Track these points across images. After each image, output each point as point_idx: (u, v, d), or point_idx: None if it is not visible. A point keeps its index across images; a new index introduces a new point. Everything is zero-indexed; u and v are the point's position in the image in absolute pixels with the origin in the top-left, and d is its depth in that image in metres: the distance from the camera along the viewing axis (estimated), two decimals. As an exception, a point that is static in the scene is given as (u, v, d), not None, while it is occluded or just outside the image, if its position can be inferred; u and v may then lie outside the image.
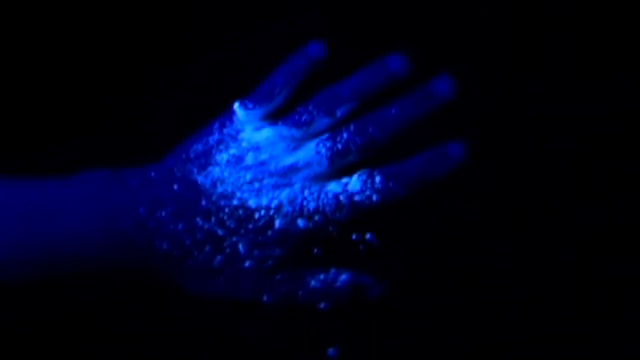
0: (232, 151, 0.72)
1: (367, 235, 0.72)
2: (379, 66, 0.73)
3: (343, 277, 0.71)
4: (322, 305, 0.70)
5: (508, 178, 0.76)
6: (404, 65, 0.73)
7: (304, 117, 0.73)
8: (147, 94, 0.80)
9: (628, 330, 0.74)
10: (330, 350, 0.72)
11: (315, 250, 0.71)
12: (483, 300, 0.75)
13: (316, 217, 0.70)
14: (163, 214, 0.70)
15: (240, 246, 0.70)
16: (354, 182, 0.71)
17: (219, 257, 0.70)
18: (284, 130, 0.73)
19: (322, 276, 0.71)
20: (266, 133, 0.73)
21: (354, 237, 0.72)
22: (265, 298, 0.70)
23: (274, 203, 0.70)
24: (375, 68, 0.73)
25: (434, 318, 0.75)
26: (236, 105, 0.74)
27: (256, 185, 0.71)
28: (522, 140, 0.77)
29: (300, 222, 0.70)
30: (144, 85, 0.80)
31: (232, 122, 0.74)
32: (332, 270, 0.71)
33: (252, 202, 0.70)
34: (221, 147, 0.73)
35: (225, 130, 0.73)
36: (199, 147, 0.73)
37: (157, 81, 0.79)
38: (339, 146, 0.72)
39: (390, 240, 0.72)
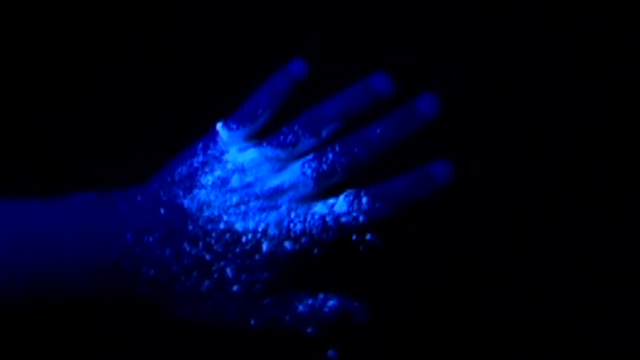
0: (217, 173, 0.72)
1: (367, 236, 0.72)
2: (363, 86, 0.73)
3: (331, 302, 0.70)
4: (309, 330, 0.70)
5: (506, 181, 0.77)
6: (388, 85, 0.73)
7: (289, 138, 0.72)
8: (133, 109, 0.79)
9: (628, 330, 0.74)
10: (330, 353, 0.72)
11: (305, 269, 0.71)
12: (483, 301, 0.75)
13: (303, 240, 0.70)
14: (150, 239, 0.69)
15: (228, 271, 0.70)
16: (340, 203, 0.71)
17: (206, 282, 0.69)
18: (268, 151, 0.72)
19: (310, 301, 0.70)
20: (251, 154, 0.72)
21: (354, 237, 0.72)
22: (252, 323, 0.70)
23: (261, 226, 0.70)
24: (360, 88, 0.73)
25: (433, 321, 0.75)
26: (219, 126, 0.73)
27: (242, 208, 0.71)
28: (518, 146, 0.77)
29: (288, 245, 0.70)
30: (129, 100, 0.79)
31: (215, 143, 0.73)
32: (320, 296, 0.71)
33: (239, 226, 0.70)
34: (206, 169, 0.72)
35: (209, 152, 0.73)
36: (183, 169, 0.72)
37: (142, 97, 0.79)
38: (325, 167, 0.71)
39: (390, 242, 0.72)
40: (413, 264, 0.76)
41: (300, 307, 0.70)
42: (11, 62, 0.79)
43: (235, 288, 0.70)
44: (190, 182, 0.72)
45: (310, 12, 0.78)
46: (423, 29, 0.79)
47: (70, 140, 0.79)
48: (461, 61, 0.78)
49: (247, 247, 0.70)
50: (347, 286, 0.72)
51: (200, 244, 0.69)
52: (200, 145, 0.73)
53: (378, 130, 0.72)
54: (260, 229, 0.70)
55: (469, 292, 0.76)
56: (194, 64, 0.79)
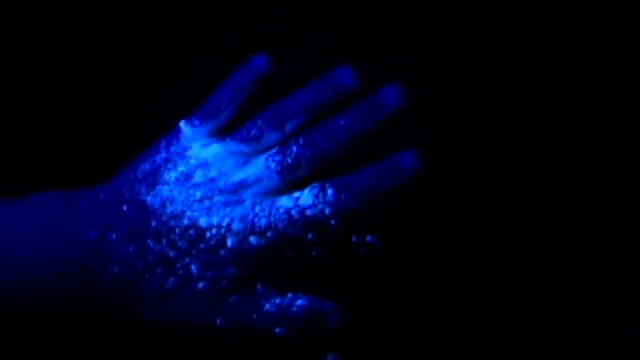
0: (181, 169, 0.71)
1: (368, 238, 0.71)
2: (327, 79, 0.72)
3: (300, 302, 0.69)
4: (277, 330, 0.69)
5: (504, 179, 0.76)
6: (352, 78, 0.72)
7: (252, 132, 0.72)
8: (94, 108, 0.78)
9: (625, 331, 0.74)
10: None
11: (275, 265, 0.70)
12: (478, 304, 0.74)
13: (269, 234, 0.69)
14: (114, 237, 0.68)
15: (193, 267, 0.69)
16: (305, 196, 0.70)
17: (171, 280, 0.68)
18: (232, 146, 0.72)
19: (277, 300, 0.69)
20: (214, 149, 0.72)
21: (354, 239, 0.71)
22: (218, 322, 0.69)
23: (225, 221, 0.69)
24: (324, 81, 0.72)
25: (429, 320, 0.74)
26: (182, 123, 0.72)
27: (206, 203, 0.70)
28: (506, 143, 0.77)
29: (253, 240, 0.69)
30: (91, 100, 0.78)
31: (178, 140, 0.72)
32: (289, 295, 0.69)
33: (202, 221, 0.69)
34: (169, 165, 0.71)
35: (172, 149, 0.72)
36: (146, 166, 0.71)
37: (141, 98, 0.78)
38: (289, 160, 0.71)
39: (390, 243, 0.71)
40: (389, 261, 0.75)
41: (268, 306, 0.69)
42: (10, 62, 0.79)
43: (200, 285, 0.69)
44: (153, 178, 0.71)
45: (310, 12, 0.78)
46: (417, 26, 0.78)
47: (34, 135, 0.78)
48: (445, 54, 0.78)
49: (212, 243, 0.69)
50: (318, 285, 0.71)
51: (164, 240, 0.69)
52: (163, 142, 0.72)
53: (342, 122, 0.71)
54: (224, 224, 0.69)
55: (464, 295, 0.76)
56: (194, 64, 0.78)
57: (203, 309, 0.69)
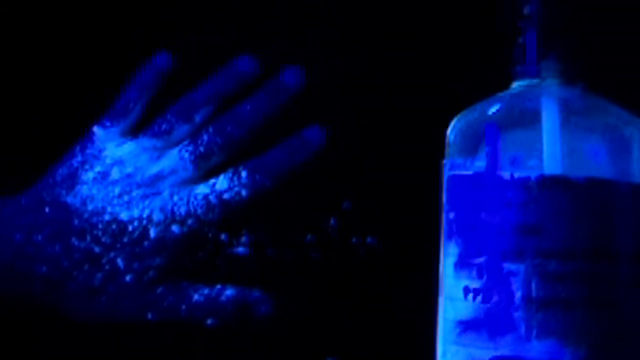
0: (97, 169, 0.73)
1: (368, 238, 0.73)
2: (229, 68, 0.75)
3: (228, 292, 0.71)
4: (208, 321, 0.71)
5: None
6: (253, 65, 0.75)
7: (163, 127, 0.74)
8: (94, 108, 0.78)
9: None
10: None
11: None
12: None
13: (189, 221, 0.72)
14: (39, 237, 0.70)
15: (119, 260, 0.70)
16: (221, 181, 0.72)
17: (99, 275, 0.70)
18: (145, 142, 0.74)
19: (205, 290, 0.71)
20: (128, 147, 0.74)
21: (354, 239, 0.73)
22: (149, 315, 0.71)
23: (146, 213, 0.71)
24: (226, 71, 0.75)
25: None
26: (95, 127, 0.75)
27: (125, 197, 0.72)
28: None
29: (175, 228, 0.71)
30: (91, 100, 0.78)
31: (92, 142, 0.74)
32: (218, 285, 0.72)
33: (124, 215, 0.71)
34: (86, 167, 0.73)
35: (87, 151, 0.74)
36: (63, 170, 0.73)
37: (103, 96, 0.78)
38: (201, 149, 0.73)
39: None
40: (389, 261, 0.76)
41: (196, 297, 0.71)
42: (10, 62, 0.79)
43: (128, 278, 0.70)
44: (72, 180, 0.73)
45: (310, 12, 0.79)
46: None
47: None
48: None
49: (135, 235, 0.71)
50: (319, 285, 0.73)
51: (88, 237, 0.70)
52: (77, 147, 0.74)
53: (248, 107, 0.74)
54: (145, 216, 0.71)
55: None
56: (194, 64, 0.78)
57: (132, 302, 0.71)
